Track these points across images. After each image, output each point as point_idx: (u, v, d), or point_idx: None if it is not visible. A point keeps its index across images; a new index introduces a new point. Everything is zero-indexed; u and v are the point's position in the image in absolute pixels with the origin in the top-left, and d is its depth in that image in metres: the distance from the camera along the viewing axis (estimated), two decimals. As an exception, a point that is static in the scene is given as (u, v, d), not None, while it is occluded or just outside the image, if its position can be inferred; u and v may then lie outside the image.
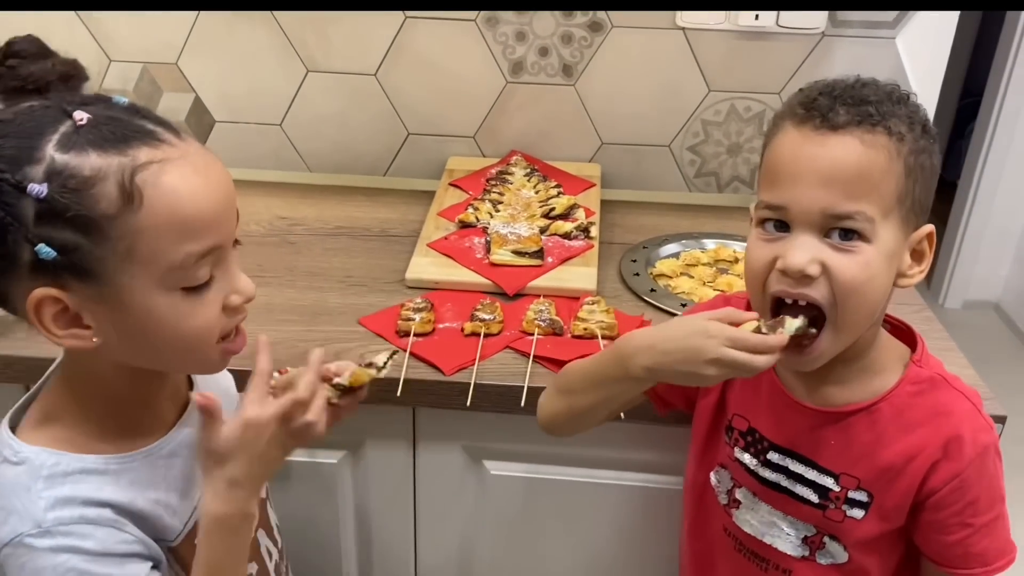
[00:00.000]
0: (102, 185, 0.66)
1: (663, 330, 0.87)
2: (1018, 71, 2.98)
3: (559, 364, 1.12)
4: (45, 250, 0.66)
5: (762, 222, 0.83)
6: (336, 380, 0.83)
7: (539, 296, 1.25)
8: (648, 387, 0.94)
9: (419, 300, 1.22)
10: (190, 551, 0.79)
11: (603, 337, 1.17)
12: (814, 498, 0.91)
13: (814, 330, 0.82)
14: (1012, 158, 3.09)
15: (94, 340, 0.72)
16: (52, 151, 0.66)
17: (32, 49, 0.74)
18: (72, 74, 0.75)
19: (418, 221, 1.47)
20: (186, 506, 0.82)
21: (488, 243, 1.35)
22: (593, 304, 1.21)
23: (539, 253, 1.32)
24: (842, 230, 0.78)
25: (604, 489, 1.19)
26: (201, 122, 1.63)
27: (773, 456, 0.93)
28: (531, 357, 1.13)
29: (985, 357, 2.94)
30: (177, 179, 0.69)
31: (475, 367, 1.11)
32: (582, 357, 1.11)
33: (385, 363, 0.87)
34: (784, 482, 0.92)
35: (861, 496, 0.89)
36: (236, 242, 0.77)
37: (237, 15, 1.54)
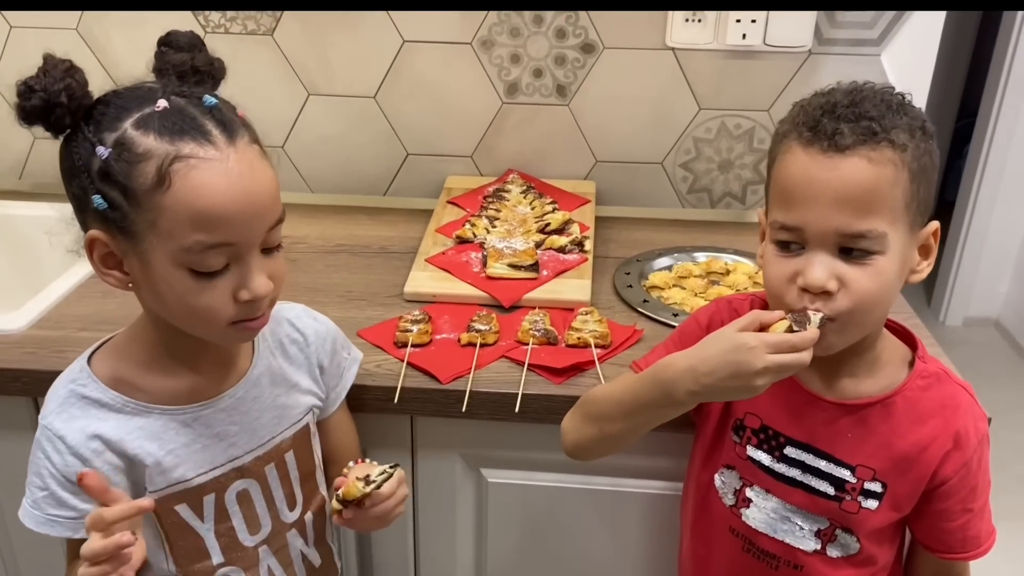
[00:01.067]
0: (147, 163, 0.77)
1: (700, 351, 0.87)
2: (1011, 92, 3.02)
3: (553, 372, 1.14)
4: (99, 200, 0.79)
5: (777, 240, 0.87)
6: (336, 492, 0.92)
7: (534, 308, 1.28)
8: (689, 409, 0.94)
9: (417, 312, 1.25)
10: (161, 508, 0.90)
11: (596, 346, 1.19)
12: (830, 491, 0.94)
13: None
14: (1007, 176, 3.13)
15: (128, 285, 0.84)
16: (128, 125, 0.78)
17: (183, 42, 0.88)
18: (204, 70, 0.87)
19: (417, 238, 1.50)
20: (175, 473, 0.90)
21: (485, 257, 1.38)
22: (587, 314, 1.24)
23: (534, 266, 1.35)
24: (855, 249, 0.83)
25: (602, 495, 1.21)
26: (206, 145, 1.67)
27: (790, 451, 0.96)
28: (526, 365, 1.15)
29: (986, 373, 2.98)
30: (205, 176, 0.78)
31: (471, 375, 1.14)
32: (576, 365, 1.15)
33: (379, 479, 0.92)
34: (800, 476, 0.95)
35: (876, 487, 0.93)
36: (274, 248, 0.86)
37: (241, 40, 1.59)
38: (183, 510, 0.92)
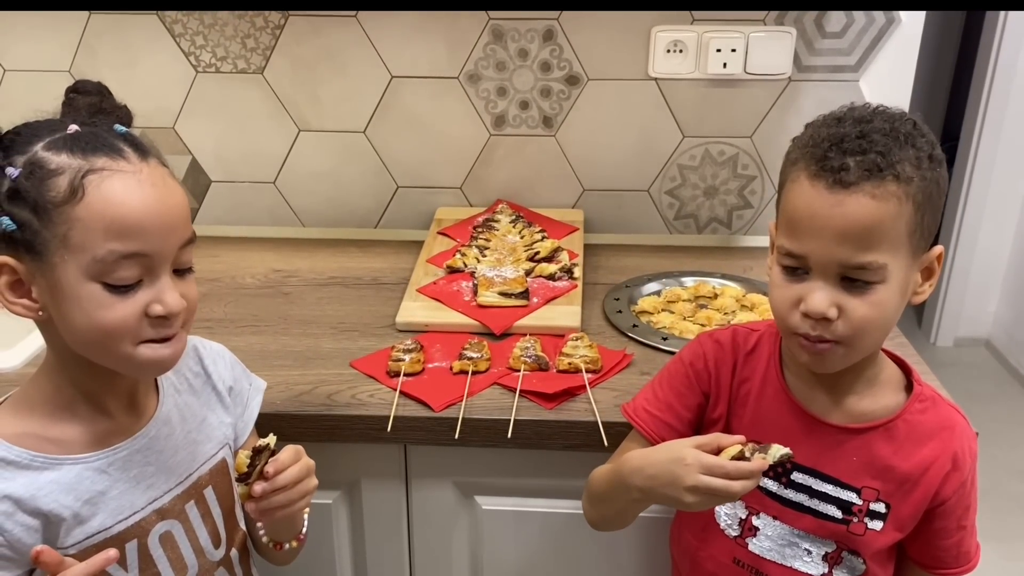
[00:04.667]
0: (59, 178, 0.78)
1: (651, 454, 0.92)
2: (991, 113, 3.07)
3: (545, 397, 1.16)
4: (6, 221, 0.78)
5: (783, 265, 0.89)
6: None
7: (525, 334, 1.30)
8: (648, 506, 0.98)
9: (409, 342, 1.26)
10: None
11: (587, 370, 1.21)
12: (838, 514, 0.96)
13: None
14: (992, 197, 3.17)
15: (39, 313, 0.82)
16: (39, 147, 0.79)
17: (90, 87, 0.89)
18: (112, 113, 0.87)
19: (408, 269, 1.52)
20: (93, 523, 0.86)
21: (475, 286, 1.40)
22: (577, 340, 1.26)
23: (524, 294, 1.37)
24: (857, 279, 0.85)
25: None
26: (198, 183, 1.70)
27: (797, 476, 0.97)
28: (517, 391, 1.17)
29: (978, 393, 2.99)
30: (118, 186, 0.79)
31: (463, 403, 1.15)
32: (568, 390, 1.17)
33: (261, 443, 0.89)
34: (807, 501, 0.97)
35: (880, 507, 0.95)
36: (187, 271, 0.85)
37: (232, 79, 1.62)
38: (114, 568, 0.86)
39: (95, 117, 0.85)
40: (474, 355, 1.23)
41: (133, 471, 0.89)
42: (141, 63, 1.61)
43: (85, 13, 1.59)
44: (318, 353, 1.29)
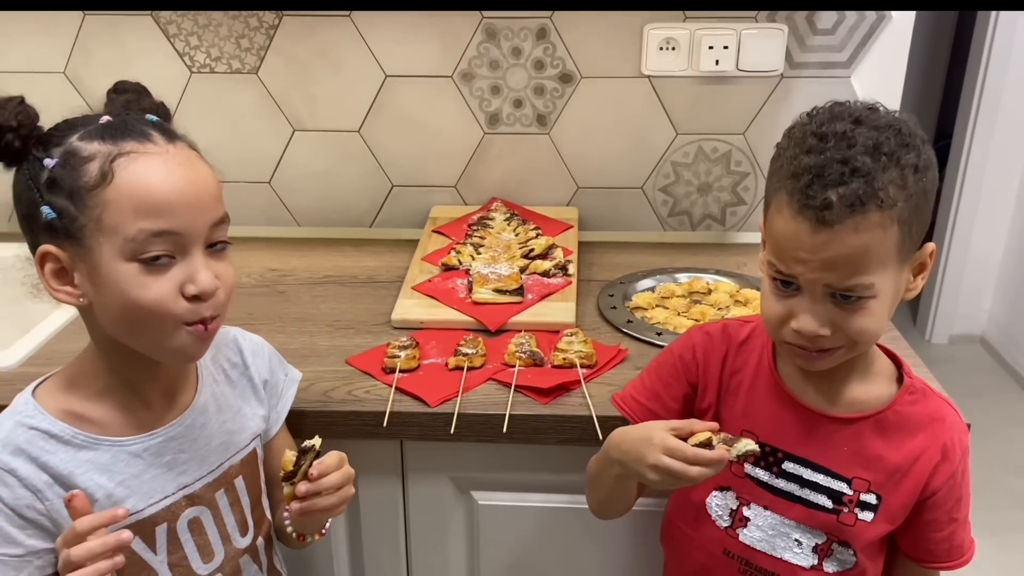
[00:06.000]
0: (91, 164, 0.81)
1: (630, 431, 0.96)
2: (984, 110, 3.08)
3: (540, 392, 1.16)
4: (47, 211, 0.82)
5: (774, 278, 0.90)
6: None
7: (520, 331, 1.30)
8: (635, 488, 1.02)
9: (404, 339, 1.27)
10: None
11: (582, 366, 1.21)
12: (828, 504, 0.96)
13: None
14: (985, 194, 3.18)
15: (81, 300, 0.85)
16: (74, 139, 0.83)
17: (129, 87, 0.94)
18: (151, 110, 0.90)
19: (403, 267, 1.53)
20: (126, 505, 0.88)
21: (470, 283, 1.40)
22: (572, 335, 1.26)
23: (519, 290, 1.38)
24: (847, 296, 0.85)
25: (591, 514, 1.22)
26: (193, 183, 1.70)
27: (788, 466, 0.98)
28: (513, 386, 1.17)
29: (974, 389, 3.00)
30: (146, 167, 0.82)
31: (459, 398, 1.15)
32: (562, 385, 1.17)
33: (306, 445, 0.91)
34: (798, 491, 0.97)
35: (871, 498, 0.96)
36: (221, 250, 0.87)
37: (226, 79, 1.62)
38: (135, 544, 0.90)
39: (131, 110, 0.88)
40: (469, 351, 1.24)
41: (167, 457, 0.92)
42: (136, 64, 1.61)
43: (79, 14, 1.59)
44: (314, 351, 1.29)
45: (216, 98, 1.65)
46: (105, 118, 0.85)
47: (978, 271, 3.29)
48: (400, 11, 1.55)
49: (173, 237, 0.82)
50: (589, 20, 1.56)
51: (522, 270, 1.44)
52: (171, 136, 0.85)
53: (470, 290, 1.39)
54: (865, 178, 0.81)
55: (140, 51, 1.61)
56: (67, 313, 1.37)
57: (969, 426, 1.06)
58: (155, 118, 0.87)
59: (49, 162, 0.82)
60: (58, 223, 0.82)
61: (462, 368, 1.21)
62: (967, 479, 0.98)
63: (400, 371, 1.21)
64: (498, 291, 1.37)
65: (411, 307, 1.37)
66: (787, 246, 0.86)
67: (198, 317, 0.85)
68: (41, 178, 0.82)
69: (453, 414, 1.13)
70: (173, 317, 0.83)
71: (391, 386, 1.18)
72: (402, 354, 1.23)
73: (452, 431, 1.12)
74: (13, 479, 0.84)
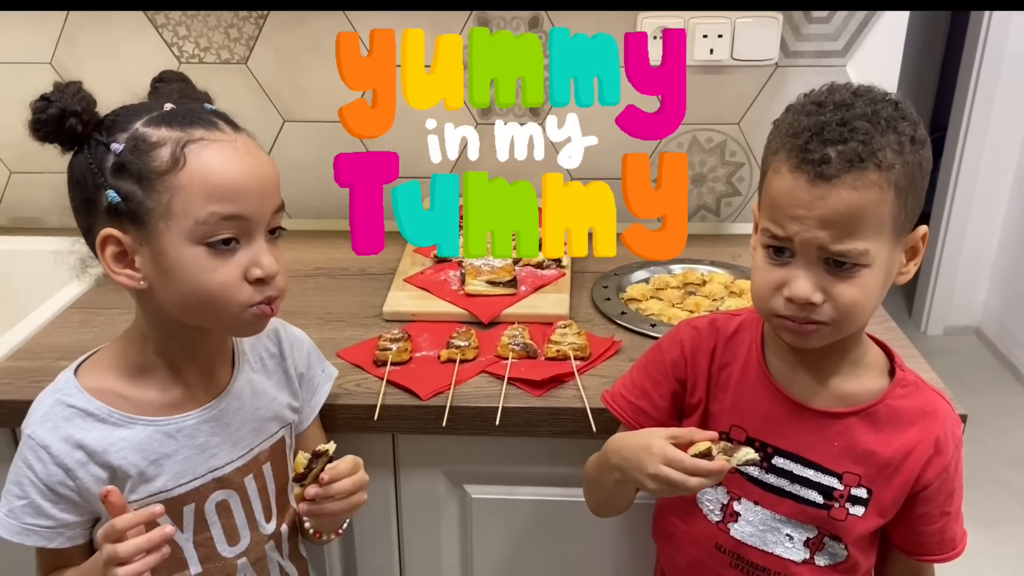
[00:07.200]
0: (161, 149, 0.83)
1: (630, 437, 0.95)
2: (979, 102, 3.08)
3: (533, 384, 1.15)
4: (112, 195, 0.83)
5: (767, 246, 0.89)
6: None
7: (513, 323, 1.29)
8: (634, 489, 1.00)
9: (396, 331, 1.25)
10: None
11: (575, 358, 1.20)
12: (819, 499, 0.95)
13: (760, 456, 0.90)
14: (980, 186, 3.18)
15: (141, 282, 0.86)
16: (139, 124, 0.84)
17: (174, 76, 0.96)
18: (195, 98, 0.93)
19: (395, 260, 1.51)
20: (156, 483, 0.92)
21: (463, 275, 1.39)
22: (565, 327, 1.25)
23: (512, 282, 1.36)
24: (840, 262, 0.84)
25: (585, 507, 1.21)
26: (183, 175, 1.68)
27: (778, 461, 0.97)
28: (505, 379, 1.16)
29: (969, 381, 3.00)
30: (216, 154, 0.84)
31: (451, 391, 1.14)
32: (556, 377, 1.16)
33: (320, 449, 0.91)
34: (788, 487, 0.96)
35: (862, 493, 0.94)
36: (279, 230, 0.90)
37: (215, 69, 1.61)
38: (163, 520, 0.91)
39: (184, 99, 0.91)
40: (462, 343, 1.22)
41: (200, 439, 0.94)
42: (123, 54, 1.60)
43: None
44: (304, 343, 1.28)
45: (205, 88, 1.62)
46: (168, 105, 0.87)
47: (973, 262, 3.29)
48: (392, 11, 1.54)
49: (241, 222, 0.84)
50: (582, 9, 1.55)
51: (515, 262, 1.43)
52: (235, 125, 0.88)
53: (463, 282, 1.38)
54: (863, 140, 0.82)
55: (127, 41, 1.59)
56: (54, 307, 1.36)
57: (964, 417, 1.06)
58: (214, 107, 0.90)
59: (116, 147, 0.83)
60: (123, 207, 0.83)
61: (454, 361, 1.20)
62: (960, 472, 0.97)
63: (392, 364, 1.19)
64: (491, 283, 1.36)
65: (403, 299, 1.36)
66: (784, 204, 0.85)
67: (263, 296, 0.87)
68: (107, 162, 0.83)
69: (445, 407, 1.12)
70: (238, 301, 0.86)
71: (383, 379, 1.16)
72: (394, 347, 1.21)
73: (444, 424, 1.11)
74: (47, 455, 0.87)
